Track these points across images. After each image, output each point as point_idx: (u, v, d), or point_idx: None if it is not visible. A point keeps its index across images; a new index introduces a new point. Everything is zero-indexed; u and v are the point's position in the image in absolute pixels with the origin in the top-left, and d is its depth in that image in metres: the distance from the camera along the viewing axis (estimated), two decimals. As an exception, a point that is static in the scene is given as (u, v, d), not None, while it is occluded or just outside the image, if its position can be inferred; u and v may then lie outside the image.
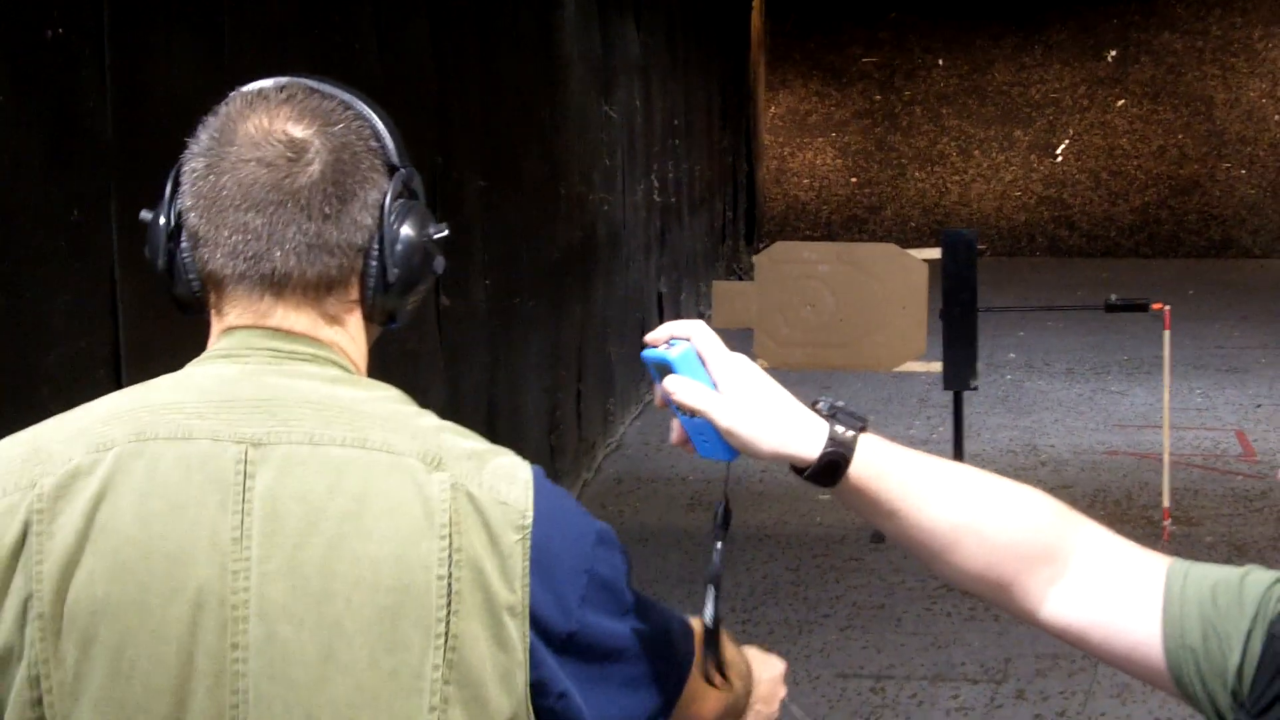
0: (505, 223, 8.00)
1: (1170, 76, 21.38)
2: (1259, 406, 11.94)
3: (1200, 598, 1.88)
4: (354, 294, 1.92)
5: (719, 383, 1.96)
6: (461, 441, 1.86)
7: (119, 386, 4.02)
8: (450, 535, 1.76)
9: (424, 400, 6.07)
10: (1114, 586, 1.93)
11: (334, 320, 1.90)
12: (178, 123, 4.53)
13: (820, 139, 22.48)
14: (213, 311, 1.92)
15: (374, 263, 1.90)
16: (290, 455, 1.78)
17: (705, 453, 2.01)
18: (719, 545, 2.06)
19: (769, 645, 6.37)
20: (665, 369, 1.98)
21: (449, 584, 1.74)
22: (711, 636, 2.06)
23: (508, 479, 1.82)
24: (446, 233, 1.99)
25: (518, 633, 1.76)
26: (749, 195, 20.26)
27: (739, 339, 9.19)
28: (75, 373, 3.93)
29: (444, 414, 6.24)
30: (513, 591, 1.77)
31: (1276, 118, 21.16)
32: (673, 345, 1.98)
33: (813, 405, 1.98)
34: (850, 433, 1.93)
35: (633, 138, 11.91)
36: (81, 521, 1.74)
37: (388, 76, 6.28)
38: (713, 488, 9.50)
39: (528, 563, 1.78)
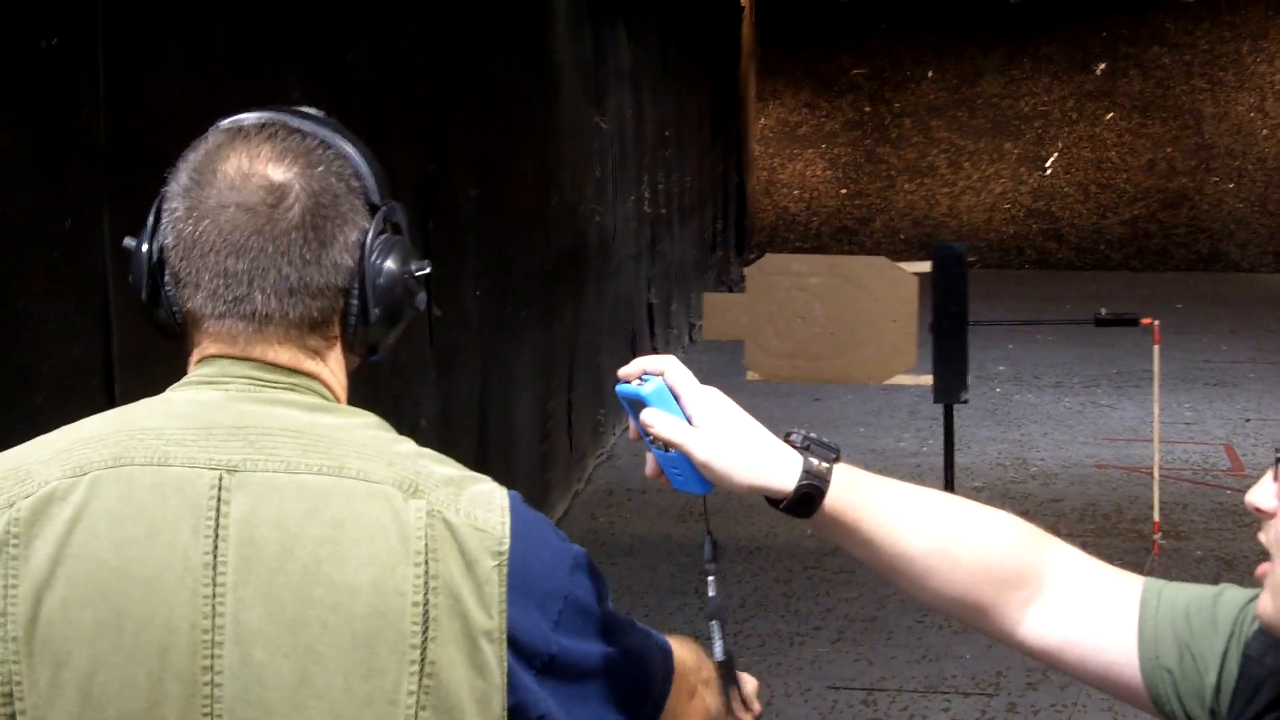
0: (497, 232, 7.99)
1: (1159, 90, 21.41)
2: (1248, 421, 11.95)
3: (1174, 618, 1.90)
4: (335, 330, 1.92)
5: (693, 416, 1.99)
6: (439, 468, 1.85)
7: (112, 394, 4.02)
8: (426, 562, 1.76)
9: (416, 410, 6.06)
10: (1089, 607, 1.96)
11: (315, 354, 1.91)
12: (170, 132, 4.52)
13: (810, 150, 22.50)
14: (192, 342, 1.92)
15: (355, 302, 1.91)
16: (267, 482, 1.78)
17: (680, 485, 2.04)
18: (712, 580, 2.08)
19: (760, 658, 6.38)
20: (639, 404, 2.00)
21: (425, 610, 1.75)
22: (726, 670, 2.09)
23: (485, 505, 1.82)
24: (428, 270, 1.99)
25: (495, 658, 1.77)
26: (739, 206, 20.26)
27: (729, 351, 9.16)
28: (69, 380, 3.93)
29: (436, 423, 6.23)
30: (490, 617, 1.77)
31: (1264, 132, 21.20)
32: (645, 381, 2.00)
33: (785, 437, 2.00)
34: (824, 465, 1.96)
35: (624, 147, 11.91)
36: (55, 547, 1.74)
37: (380, 86, 6.28)
38: (702, 499, 9.50)
39: (504, 589, 1.78)
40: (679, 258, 14.86)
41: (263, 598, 1.74)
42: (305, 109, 1.96)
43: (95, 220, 4.07)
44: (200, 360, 1.89)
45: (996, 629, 2.00)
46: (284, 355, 1.88)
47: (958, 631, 7.34)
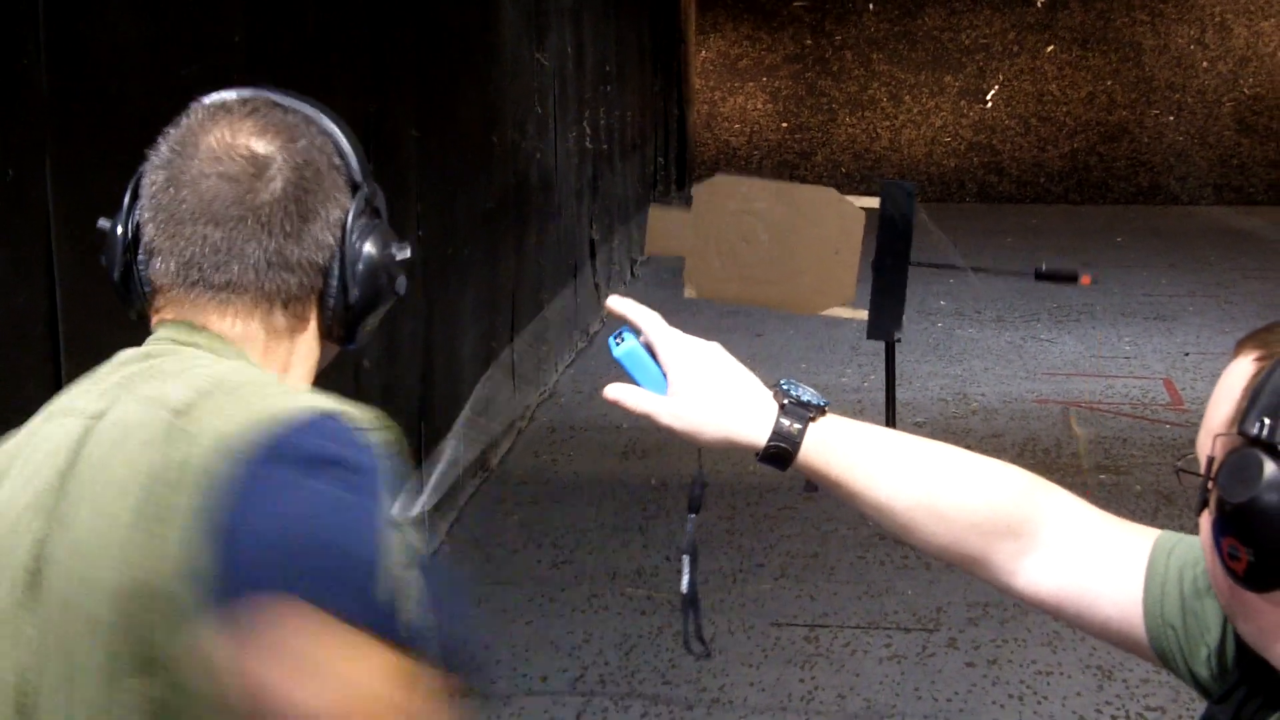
0: (439, 172, 7.98)
1: (1099, 22, 21.45)
2: (1187, 355, 12.03)
3: (1181, 574, 1.89)
4: (310, 311, 1.92)
5: (668, 373, 2.03)
6: (264, 404, 1.74)
7: (56, 343, 4.02)
8: (162, 492, 1.70)
9: (359, 351, 5.99)
10: (1089, 561, 1.95)
11: (280, 334, 1.90)
12: (113, 78, 4.50)
13: (751, 84, 22.47)
14: (155, 313, 1.92)
15: (334, 282, 1.91)
16: (120, 414, 1.78)
17: None
18: (692, 517, 2.12)
19: (703, 595, 6.40)
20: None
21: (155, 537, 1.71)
22: (690, 604, 2.12)
23: (237, 440, 1.71)
24: (410, 253, 2.00)
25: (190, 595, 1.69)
26: (680, 140, 20.24)
27: (672, 266, 9.13)
28: (13, 329, 3.92)
29: (380, 363, 6.19)
30: (191, 553, 1.69)
31: (1205, 64, 21.27)
32: (623, 340, 2.04)
33: (775, 385, 2.04)
34: (796, 426, 1.99)
35: (564, 84, 11.88)
36: None
37: (322, 27, 6.26)
38: (647, 435, 9.53)
39: (214, 525, 1.68)
40: (620, 193, 14.85)
41: (68, 530, 1.74)
42: (288, 91, 1.98)
43: (38, 169, 4.05)
44: (155, 325, 1.91)
45: (991, 579, 2.01)
46: (239, 329, 1.88)
47: (899, 568, 7.41)
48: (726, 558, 7.59)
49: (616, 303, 2.09)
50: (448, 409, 8.09)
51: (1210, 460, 1.62)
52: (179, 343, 1.88)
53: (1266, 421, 1.53)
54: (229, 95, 1.93)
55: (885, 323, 8.14)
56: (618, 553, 7.64)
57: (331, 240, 1.90)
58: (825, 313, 8.24)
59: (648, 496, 8.54)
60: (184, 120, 1.91)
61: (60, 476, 1.77)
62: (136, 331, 1.92)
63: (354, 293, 1.91)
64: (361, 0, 6.79)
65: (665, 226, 8.47)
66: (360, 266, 1.91)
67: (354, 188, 1.94)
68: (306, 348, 1.94)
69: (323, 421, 1.74)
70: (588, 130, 12.99)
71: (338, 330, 1.95)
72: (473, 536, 7.97)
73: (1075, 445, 9.28)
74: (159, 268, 1.88)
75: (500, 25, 9.60)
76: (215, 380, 1.80)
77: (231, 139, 1.86)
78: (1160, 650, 1.90)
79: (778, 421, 1.99)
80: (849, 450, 2.01)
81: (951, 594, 7.06)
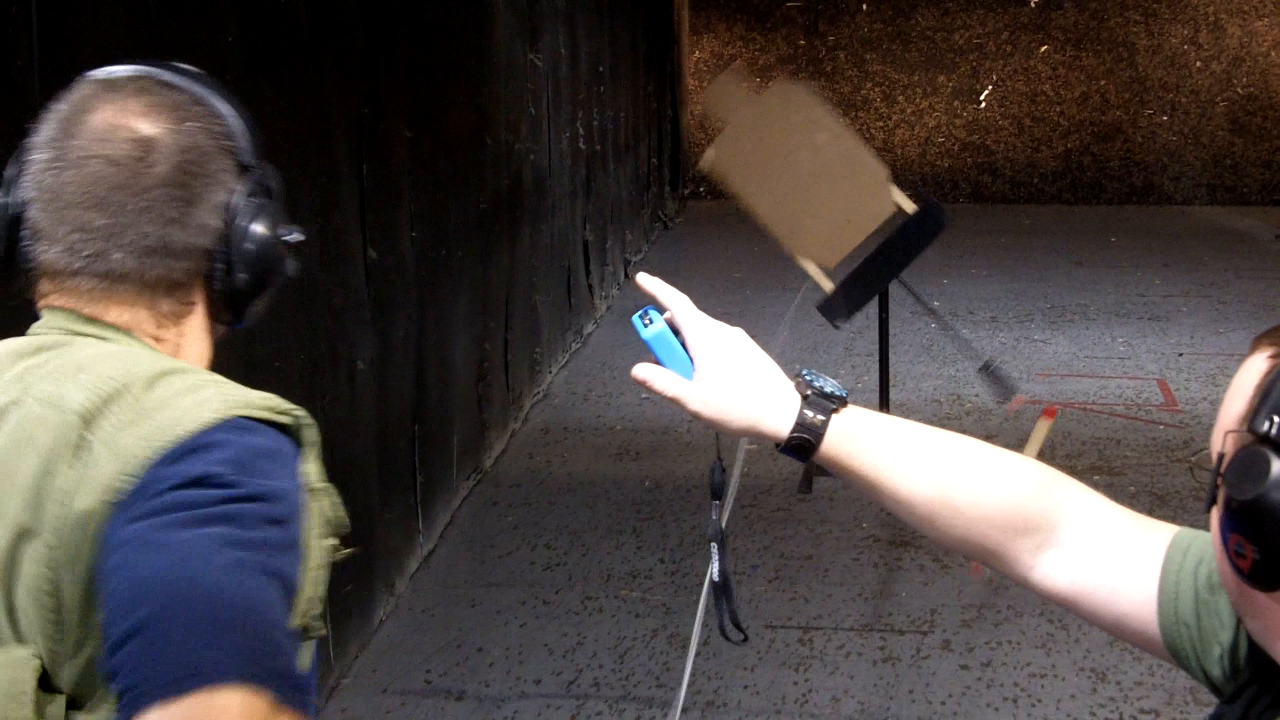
0: (432, 174, 7.97)
1: (1093, 22, 21.44)
2: (1180, 355, 12.01)
3: (1196, 571, 1.89)
4: (196, 295, 1.91)
5: (695, 358, 2.03)
6: (165, 415, 1.74)
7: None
8: (56, 513, 1.71)
9: (353, 353, 5.97)
10: (1105, 556, 1.96)
11: (166, 319, 1.89)
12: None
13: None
14: (40, 293, 1.92)
15: (220, 266, 1.89)
16: (22, 415, 1.79)
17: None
18: (716, 504, 2.13)
19: (698, 597, 6.36)
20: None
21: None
22: (722, 590, 2.12)
23: (145, 441, 1.72)
24: (301, 237, 1.98)
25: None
26: (674, 141, 20.22)
27: (670, 268, 9.06)
28: (8, 331, 3.90)
29: (373, 366, 6.12)
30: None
31: (1198, 64, 21.26)
32: (651, 322, 2.04)
33: (796, 375, 2.05)
34: (819, 418, 2.01)
35: (558, 85, 11.87)
36: None
37: (315, 29, 6.24)
38: (640, 437, 9.53)
39: (99, 541, 1.69)
40: (614, 195, 14.83)
41: None
42: (182, 65, 1.95)
43: (29, 171, 4.03)
44: (42, 310, 1.91)
45: (1009, 572, 2.03)
46: (125, 316, 1.87)
47: (893, 570, 7.40)
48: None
49: (646, 280, 2.09)
50: (440, 411, 8.08)
51: (1220, 456, 1.62)
52: (72, 332, 1.87)
53: (1276, 420, 1.54)
54: (118, 71, 1.90)
55: (840, 307, 8.05)
56: (612, 554, 7.62)
57: (217, 224, 1.88)
58: (798, 260, 8.09)
59: (642, 498, 8.52)
60: (71, 96, 1.89)
61: None
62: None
63: (240, 277, 1.90)
64: (355, 1, 6.77)
65: (731, 90, 8.36)
66: (247, 249, 1.89)
67: (244, 169, 1.92)
68: (196, 332, 1.93)
69: (215, 435, 1.71)
70: (581, 131, 12.98)
71: (225, 314, 1.95)
72: (466, 538, 7.96)
73: (1067, 446, 9.27)
74: (44, 252, 1.87)
75: (494, 26, 9.59)
76: (119, 380, 1.79)
77: (117, 120, 1.84)
78: (1174, 648, 1.90)
79: (801, 412, 2.01)
80: (871, 443, 2.03)
81: (945, 596, 7.06)
